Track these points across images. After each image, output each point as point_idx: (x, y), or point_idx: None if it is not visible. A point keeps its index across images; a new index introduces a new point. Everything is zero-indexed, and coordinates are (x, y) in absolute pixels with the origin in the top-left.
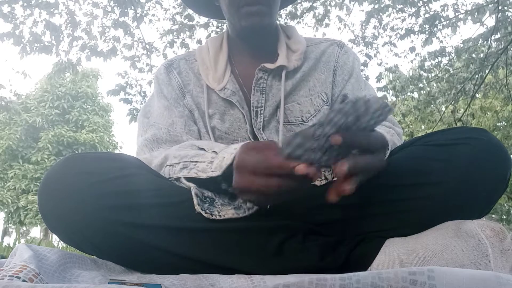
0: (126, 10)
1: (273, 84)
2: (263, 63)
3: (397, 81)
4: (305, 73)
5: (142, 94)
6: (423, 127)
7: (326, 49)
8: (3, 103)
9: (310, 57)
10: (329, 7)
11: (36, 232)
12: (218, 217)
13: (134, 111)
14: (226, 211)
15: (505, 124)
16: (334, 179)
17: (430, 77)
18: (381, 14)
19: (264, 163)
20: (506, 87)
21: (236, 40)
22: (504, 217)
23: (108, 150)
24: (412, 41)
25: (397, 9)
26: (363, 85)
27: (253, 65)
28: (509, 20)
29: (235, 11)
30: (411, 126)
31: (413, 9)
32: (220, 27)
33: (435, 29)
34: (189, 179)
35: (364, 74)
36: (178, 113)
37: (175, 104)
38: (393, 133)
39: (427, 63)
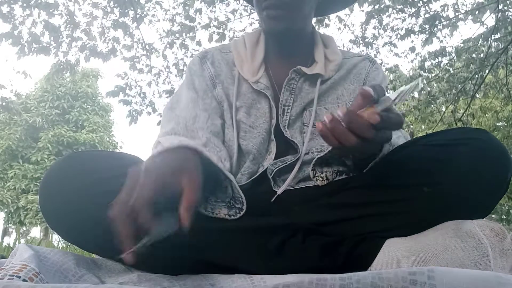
0: (126, 11)
1: (303, 87)
2: (299, 65)
3: (397, 81)
4: (335, 81)
5: (142, 95)
6: (423, 127)
7: (358, 63)
8: (4, 103)
9: (342, 68)
10: None
11: (36, 232)
12: (210, 214)
13: (134, 112)
14: (219, 210)
15: (505, 124)
16: (335, 179)
17: (430, 77)
18: (381, 14)
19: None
20: (506, 86)
21: (271, 38)
22: (504, 217)
23: (108, 150)
24: (412, 41)
25: (397, 9)
26: None
27: (286, 65)
28: (509, 20)
29: (259, 12)
30: (411, 126)
31: (413, 9)
32: (221, 28)
33: (435, 29)
34: None
35: None
36: (203, 106)
37: (203, 96)
38: (399, 135)
39: (427, 63)
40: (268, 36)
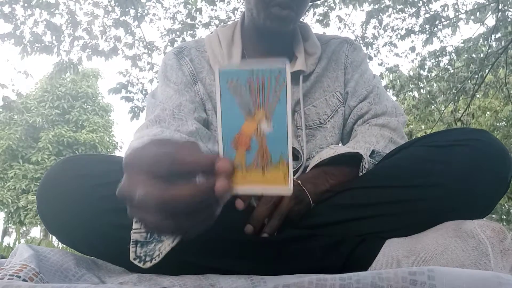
0: (126, 10)
1: None
2: None
3: (398, 80)
4: (318, 75)
5: (144, 92)
6: (423, 126)
7: (336, 47)
8: (6, 103)
9: (322, 57)
10: (332, 4)
11: (36, 232)
12: (157, 259)
13: (136, 109)
14: (166, 244)
15: (505, 124)
16: None
17: (430, 76)
18: (381, 14)
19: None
20: (506, 86)
21: (251, 34)
22: (504, 217)
23: (108, 150)
24: (412, 41)
25: (397, 9)
26: (371, 78)
27: None
28: (509, 19)
29: (262, 8)
30: (410, 126)
31: (413, 9)
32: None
33: (436, 29)
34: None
35: None
36: (189, 97)
37: (185, 89)
38: (369, 149)
39: (427, 63)
40: (259, 32)
